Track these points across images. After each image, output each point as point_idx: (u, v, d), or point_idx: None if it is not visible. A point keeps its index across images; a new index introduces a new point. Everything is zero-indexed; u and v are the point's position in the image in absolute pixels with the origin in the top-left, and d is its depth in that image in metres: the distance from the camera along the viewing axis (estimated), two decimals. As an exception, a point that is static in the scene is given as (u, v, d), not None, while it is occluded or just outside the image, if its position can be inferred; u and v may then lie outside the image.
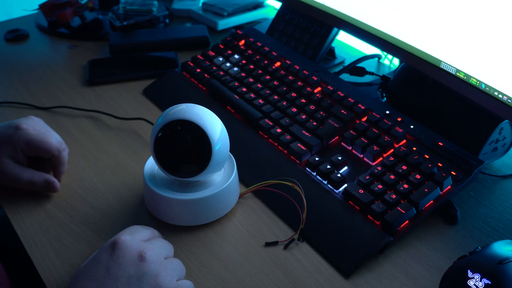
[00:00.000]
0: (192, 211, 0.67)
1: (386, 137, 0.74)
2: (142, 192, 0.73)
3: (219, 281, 0.61)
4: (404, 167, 0.70)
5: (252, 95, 0.86)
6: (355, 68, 0.98)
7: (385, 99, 0.90)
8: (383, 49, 0.89)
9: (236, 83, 0.90)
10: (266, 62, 0.92)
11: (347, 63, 1.03)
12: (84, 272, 0.53)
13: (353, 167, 0.74)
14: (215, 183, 0.69)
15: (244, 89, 0.88)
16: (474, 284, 0.54)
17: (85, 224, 0.69)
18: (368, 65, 1.01)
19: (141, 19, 1.13)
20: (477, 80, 0.70)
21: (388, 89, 0.89)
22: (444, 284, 0.57)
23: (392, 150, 0.74)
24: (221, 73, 0.93)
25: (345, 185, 0.71)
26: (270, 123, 0.80)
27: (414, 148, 0.73)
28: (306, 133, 0.77)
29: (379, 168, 0.71)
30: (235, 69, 0.93)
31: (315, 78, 0.86)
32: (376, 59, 1.06)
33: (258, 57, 0.94)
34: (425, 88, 0.83)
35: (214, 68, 0.94)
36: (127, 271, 0.53)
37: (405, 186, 0.68)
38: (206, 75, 0.93)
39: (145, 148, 0.82)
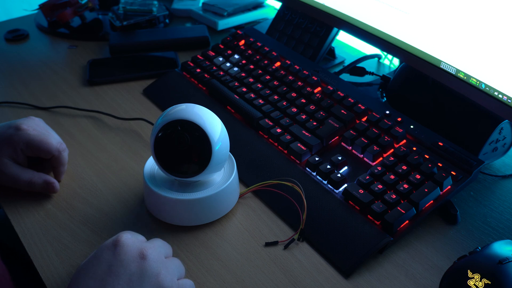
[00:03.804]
0: (192, 211, 0.67)
1: (386, 137, 0.74)
2: (142, 192, 0.73)
3: (219, 281, 0.61)
4: (404, 167, 0.70)
5: (252, 95, 0.86)
6: (355, 68, 0.98)
7: (385, 99, 0.90)
8: (383, 49, 0.89)
9: (236, 83, 0.90)
10: (266, 62, 0.92)
11: (347, 63, 1.03)
12: (85, 270, 0.54)
13: (353, 167, 0.74)
14: (215, 183, 0.69)
15: (244, 89, 0.88)
16: (474, 284, 0.54)
17: (85, 224, 0.69)
18: (368, 65, 1.01)
19: (141, 19, 1.13)
20: (477, 80, 0.70)
21: (388, 89, 0.89)
22: (444, 284, 0.57)
23: (392, 150, 0.74)
24: (221, 73, 0.93)
25: (345, 185, 0.71)
26: (270, 123, 0.80)
27: (414, 148, 0.73)
28: (306, 133, 0.77)
29: (379, 168, 0.71)
30: (235, 69, 0.93)
31: (315, 78, 0.86)
32: (376, 59, 1.06)
33: (258, 57, 0.94)
34: (425, 88, 0.83)
35: (214, 68, 0.94)
36: (128, 269, 0.53)
37: (405, 186, 0.68)
38: (206, 75, 0.93)
39: (145, 148, 0.82)
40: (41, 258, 0.64)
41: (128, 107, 0.91)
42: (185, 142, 0.64)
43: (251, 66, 0.92)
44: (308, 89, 0.85)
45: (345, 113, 0.79)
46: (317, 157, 0.74)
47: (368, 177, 0.70)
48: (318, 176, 0.73)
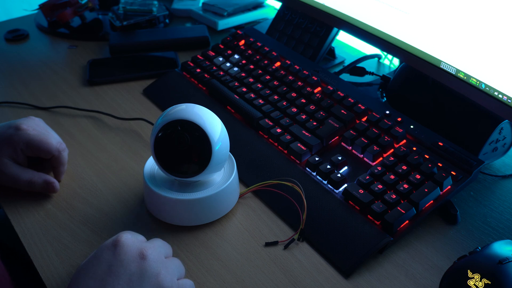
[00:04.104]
0: (192, 211, 0.67)
1: (386, 137, 0.74)
2: (142, 192, 0.73)
3: (219, 281, 0.61)
4: (404, 167, 0.70)
5: (252, 95, 0.86)
6: (355, 68, 0.98)
7: (385, 99, 0.90)
8: (383, 49, 0.89)
9: (236, 83, 0.90)
10: (266, 62, 0.92)
11: (347, 63, 1.03)
12: (85, 270, 0.54)
13: (353, 167, 0.74)
14: (215, 183, 0.69)
15: (244, 89, 0.88)
16: (474, 284, 0.54)
17: (85, 224, 0.69)
18: (368, 65, 1.01)
19: (141, 19, 1.13)
20: (477, 80, 0.70)
21: (388, 89, 0.89)
22: (444, 284, 0.58)
23: (392, 150, 0.74)
24: (221, 73, 0.93)
25: (345, 185, 0.71)
26: (270, 123, 0.80)
27: (414, 148, 0.73)
28: (306, 133, 0.77)
29: (379, 168, 0.71)
30: (235, 69, 0.93)
31: (315, 78, 0.86)
32: (376, 59, 1.06)
33: (258, 57, 0.94)
34: (425, 88, 0.83)
35: (214, 68, 0.94)
36: (128, 269, 0.53)
37: (405, 186, 0.68)
38: (206, 75, 0.93)
39: (145, 148, 0.82)
40: (41, 258, 0.64)
41: (128, 107, 0.91)
42: (185, 142, 0.64)
43: (251, 66, 0.92)
44: (308, 89, 0.85)
45: (345, 113, 0.79)
46: (317, 157, 0.74)
47: (368, 177, 0.70)
48: (318, 176, 0.73)
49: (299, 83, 0.87)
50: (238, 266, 0.63)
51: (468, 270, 0.55)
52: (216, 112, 0.69)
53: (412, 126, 0.76)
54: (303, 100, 0.83)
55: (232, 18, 1.18)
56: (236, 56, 0.96)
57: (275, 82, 0.88)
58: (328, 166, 0.72)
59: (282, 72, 0.89)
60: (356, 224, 0.66)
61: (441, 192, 0.68)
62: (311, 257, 0.64)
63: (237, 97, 0.86)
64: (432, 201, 0.67)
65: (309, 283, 0.61)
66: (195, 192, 0.67)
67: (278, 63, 0.92)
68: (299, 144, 0.76)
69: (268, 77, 0.89)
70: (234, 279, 0.62)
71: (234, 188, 0.70)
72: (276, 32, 1.05)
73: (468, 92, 0.72)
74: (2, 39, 1.14)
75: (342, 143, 0.77)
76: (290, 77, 0.88)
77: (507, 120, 0.73)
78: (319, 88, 0.86)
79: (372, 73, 0.98)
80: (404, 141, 0.75)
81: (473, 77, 0.71)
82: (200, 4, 1.24)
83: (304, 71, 0.88)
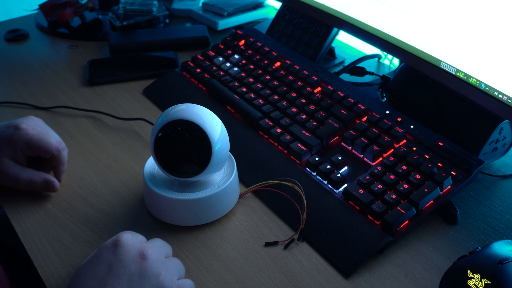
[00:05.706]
0: (192, 211, 0.67)
1: (386, 137, 0.74)
2: (142, 192, 0.73)
3: (219, 281, 0.61)
4: (404, 167, 0.70)
5: (252, 95, 0.86)
6: (355, 68, 0.98)
7: (385, 99, 0.90)
8: (383, 49, 0.89)
9: (236, 83, 0.90)
10: (266, 62, 0.92)
11: (347, 63, 1.03)
12: (85, 270, 0.54)
13: (353, 167, 0.74)
14: (215, 183, 0.69)
15: (244, 89, 0.88)
16: (474, 284, 0.54)
17: (85, 224, 0.69)
18: (368, 65, 1.01)
19: (141, 19, 1.13)
20: (477, 80, 0.70)
21: (388, 89, 0.89)
22: (444, 284, 0.58)
23: (392, 150, 0.74)
24: (221, 73, 0.93)
25: (345, 185, 0.71)
26: (270, 123, 0.80)
27: (414, 148, 0.73)
28: (306, 133, 0.77)
29: (379, 168, 0.71)
30: (235, 69, 0.93)
31: (315, 78, 0.86)
32: (376, 59, 1.06)
33: (258, 57, 0.94)
34: (425, 88, 0.83)
35: (214, 68, 0.94)
36: (128, 269, 0.53)
37: (405, 186, 0.68)
38: (206, 75, 0.93)
39: (145, 148, 0.82)
40: (41, 258, 0.64)
41: (128, 107, 0.91)
42: (185, 142, 0.64)
43: (251, 66, 0.92)
44: (308, 89, 0.85)
45: (345, 113, 0.79)
46: (317, 157, 0.74)
47: (368, 177, 0.70)
48: (318, 176, 0.73)
49: (299, 83, 0.87)
50: (238, 266, 0.63)
51: (468, 270, 0.55)
52: (216, 112, 0.69)
53: (412, 126, 0.76)
54: (303, 100, 0.83)
55: (232, 18, 1.18)
56: (236, 56, 0.96)
57: (275, 82, 0.88)
58: (328, 166, 0.72)
59: (282, 72, 0.89)
60: (356, 224, 0.66)
61: (441, 192, 0.68)
62: (311, 257, 0.64)
63: (237, 97, 0.86)
64: (432, 201, 0.67)
65: (309, 283, 0.61)
66: (195, 192, 0.67)
67: (278, 63, 0.92)
68: (299, 144, 0.76)
69: (268, 77, 0.89)
70: (234, 279, 0.62)
71: (234, 188, 0.70)
72: (276, 32, 1.05)
73: (468, 92, 0.72)
74: (2, 39, 1.14)
75: (342, 143, 0.77)
76: (290, 77, 0.88)
77: (507, 120, 0.73)
78: (319, 88, 0.86)
79: (372, 73, 0.98)
80: (404, 141, 0.75)
81: (473, 77, 0.71)
82: (200, 4, 1.24)
83: (304, 71, 0.88)
